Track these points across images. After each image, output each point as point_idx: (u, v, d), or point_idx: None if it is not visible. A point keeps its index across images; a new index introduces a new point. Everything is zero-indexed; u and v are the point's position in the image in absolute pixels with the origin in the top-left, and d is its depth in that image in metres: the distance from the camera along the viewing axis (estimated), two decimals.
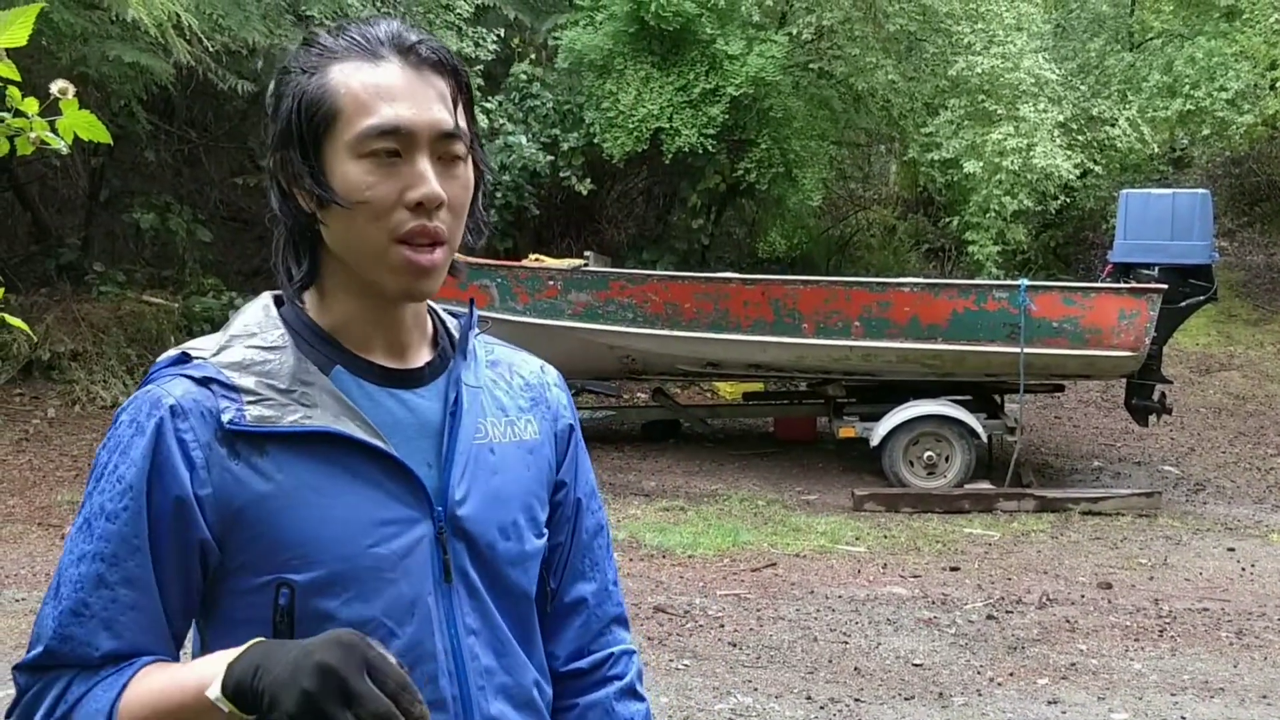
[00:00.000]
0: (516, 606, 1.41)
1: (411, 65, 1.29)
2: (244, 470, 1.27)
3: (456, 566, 1.34)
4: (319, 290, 1.37)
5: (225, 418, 1.27)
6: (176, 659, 1.31)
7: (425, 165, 1.27)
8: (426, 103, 1.28)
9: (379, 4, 12.46)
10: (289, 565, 1.27)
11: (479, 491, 1.37)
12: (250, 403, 1.28)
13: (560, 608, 1.52)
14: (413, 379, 1.37)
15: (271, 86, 1.35)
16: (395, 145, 1.27)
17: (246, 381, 1.30)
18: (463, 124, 1.31)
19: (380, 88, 1.27)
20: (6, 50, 1.92)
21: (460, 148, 1.31)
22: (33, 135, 1.96)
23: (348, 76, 1.28)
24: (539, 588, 1.47)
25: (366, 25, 1.32)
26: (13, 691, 1.30)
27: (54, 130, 1.97)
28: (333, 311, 1.36)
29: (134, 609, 1.25)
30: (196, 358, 1.32)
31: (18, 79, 1.93)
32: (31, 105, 1.96)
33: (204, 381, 1.29)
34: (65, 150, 1.98)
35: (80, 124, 1.96)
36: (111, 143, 1.98)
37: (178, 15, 9.60)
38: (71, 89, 1.93)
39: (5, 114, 1.98)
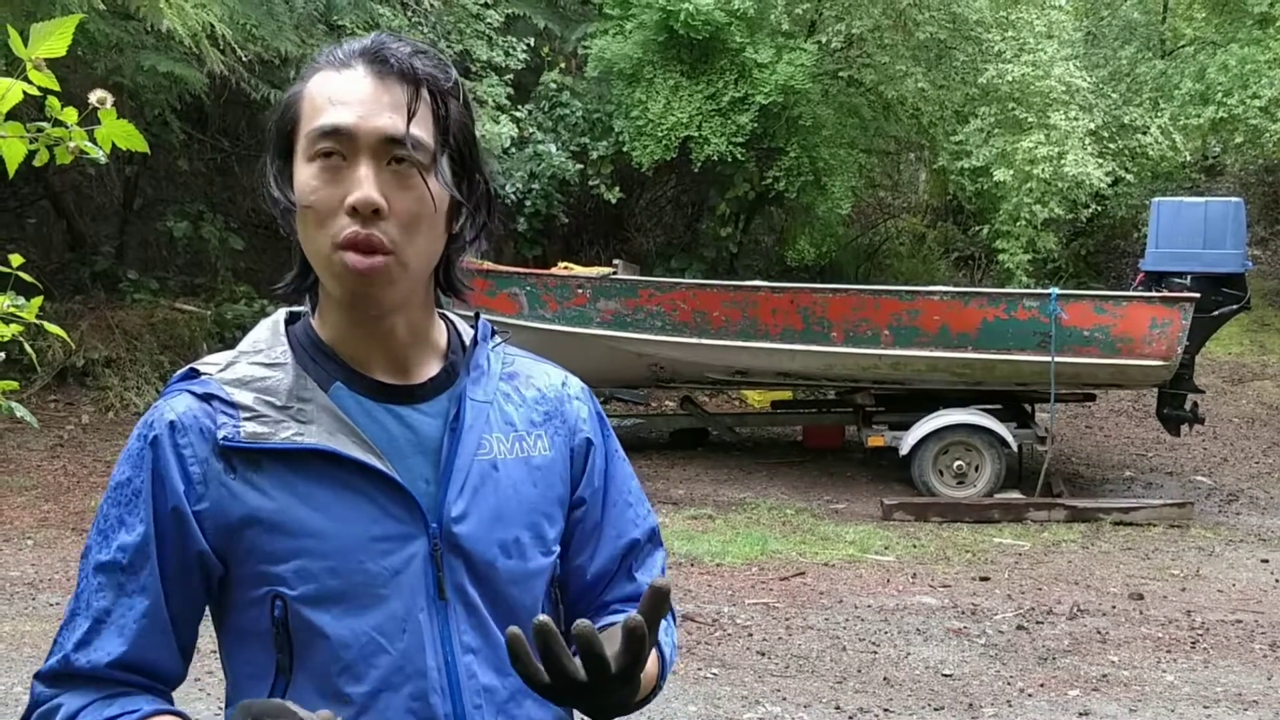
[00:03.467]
0: (520, 625, 1.38)
1: (375, 73, 1.28)
2: (240, 485, 1.29)
3: (452, 583, 1.34)
4: (316, 305, 1.39)
5: (221, 434, 1.30)
6: (184, 670, 1.35)
7: (365, 170, 1.26)
8: (377, 109, 1.27)
9: (410, 13, 12.53)
10: (282, 579, 1.29)
11: (479, 509, 1.36)
12: (246, 419, 1.30)
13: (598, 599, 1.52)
14: (414, 395, 1.37)
15: None
16: (336, 148, 1.27)
17: (245, 398, 1.32)
18: (420, 134, 1.27)
19: (334, 93, 1.28)
20: (46, 60, 1.94)
21: (410, 156, 1.27)
22: (72, 145, 1.99)
23: (314, 85, 1.30)
24: (552, 604, 1.45)
25: (357, 39, 1.33)
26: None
27: (92, 139, 2.00)
28: (329, 325, 1.37)
29: (145, 617, 1.29)
30: (203, 374, 1.35)
31: (57, 89, 1.96)
32: (70, 115, 1.98)
33: (205, 398, 1.32)
34: (104, 160, 2.01)
35: (118, 133, 1.98)
36: (149, 151, 2.00)
37: (212, 25, 9.69)
38: (110, 98, 1.96)
39: (45, 123, 2.01)
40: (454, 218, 1.35)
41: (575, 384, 1.53)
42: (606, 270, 10.90)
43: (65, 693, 1.29)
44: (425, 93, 1.29)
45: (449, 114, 1.32)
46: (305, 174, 1.29)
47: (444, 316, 1.45)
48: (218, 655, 1.39)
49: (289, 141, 1.32)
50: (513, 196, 13.02)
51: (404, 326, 1.36)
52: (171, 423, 1.31)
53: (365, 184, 1.26)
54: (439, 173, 1.30)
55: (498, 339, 1.48)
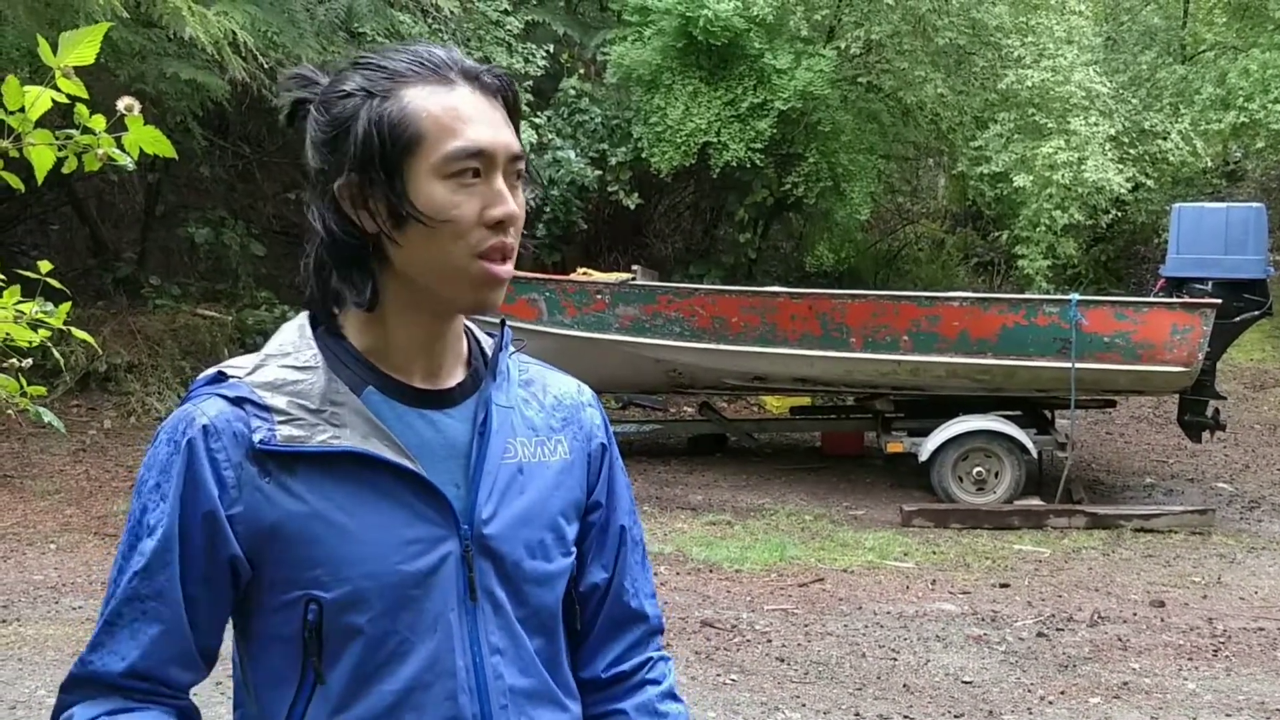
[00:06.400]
0: (542, 625, 1.43)
1: (479, 90, 1.34)
2: (274, 489, 1.30)
3: (482, 585, 1.36)
4: (376, 311, 1.37)
5: (257, 438, 1.30)
6: (203, 674, 1.35)
7: (503, 185, 1.33)
8: (498, 126, 1.33)
9: (430, 21, 12.58)
10: (317, 582, 1.30)
11: (506, 511, 1.38)
12: (281, 422, 1.31)
13: (604, 623, 1.54)
14: (444, 399, 1.39)
15: (320, 109, 1.34)
16: (479, 166, 1.31)
17: (278, 401, 1.32)
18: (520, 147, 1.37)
19: (459, 112, 1.31)
20: (73, 68, 1.96)
21: (529, 170, 1.37)
22: (100, 152, 2.01)
23: (426, 100, 1.31)
24: (567, 607, 1.48)
25: (424, 50, 1.34)
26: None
27: (120, 146, 2.02)
28: (380, 332, 1.37)
29: (160, 622, 1.30)
30: (232, 377, 1.35)
31: (85, 96, 1.98)
32: (99, 122, 2.00)
33: (237, 401, 1.32)
34: (132, 166, 2.03)
35: (145, 139, 2.00)
36: (175, 156, 2.02)
37: (234, 33, 9.74)
38: (137, 106, 1.98)
39: (73, 131, 2.03)
40: None
41: (588, 392, 1.57)
42: (625, 276, 10.90)
43: (79, 702, 1.31)
44: (515, 109, 1.38)
45: (520, 121, 1.41)
46: (442, 190, 1.30)
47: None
48: (234, 664, 1.40)
49: (402, 157, 1.30)
50: (532, 203, 13.01)
51: (452, 332, 1.41)
52: (204, 426, 1.31)
53: (509, 199, 1.34)
54: (529, 181, 1.40)
55: (513, 347, 1.50)
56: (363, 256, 1.35)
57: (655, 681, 1.56)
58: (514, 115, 1.38)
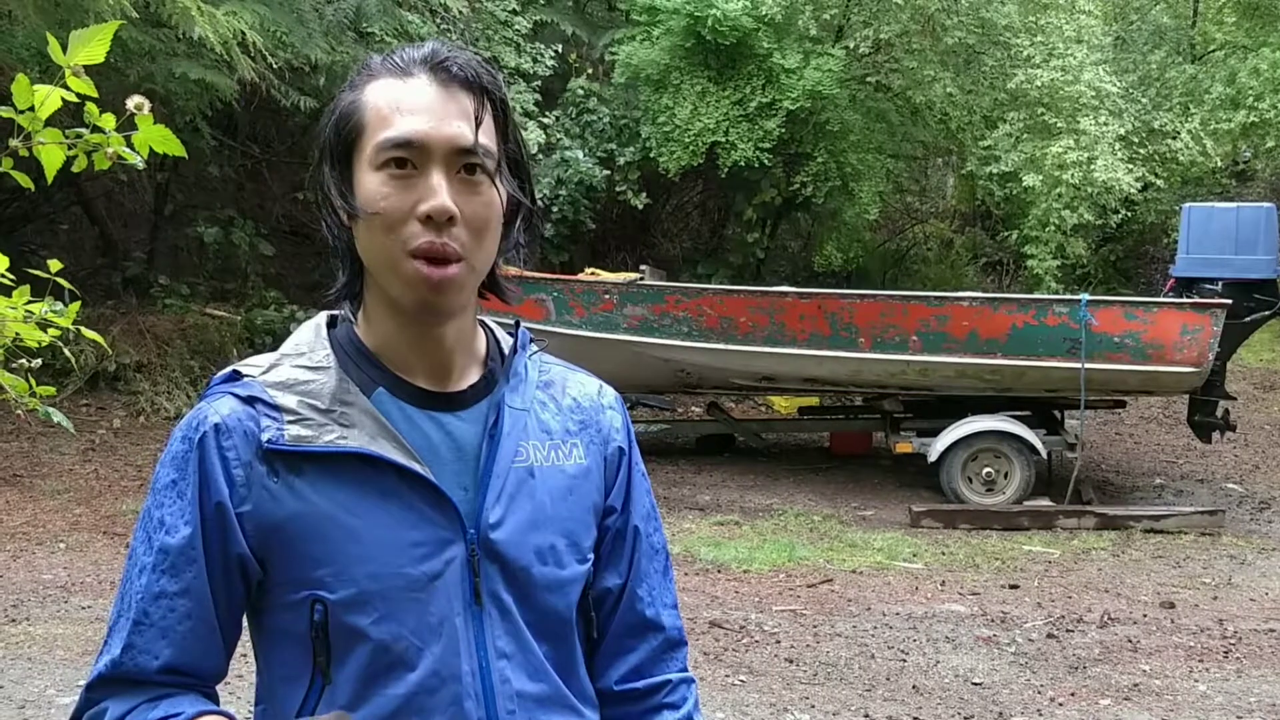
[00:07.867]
0: (553, 632, 1.40)
1: (439, 82, 1.30)
2: (281, 489, 1.30)
3: (488, 589, 1.34)
4: (364, 309, 1.39)
5: (265, 437, 1.30)
6: (227, 667, 1.36)
7: (438, 179, 1.28)
8: (447, 118, 1.29)
9: (438, 20, 12.58)
10: (322, 583, 1.30)
11: (516, 515, 1.37)
12: (290, 422, 1.31)
13: (617, 630, 1.50)
14: (455, 402, 1.38)
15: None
16: (408, 157, 1.28)
17: (288, 401, 1.33)
18: (487, 142, 1.31)
19: (402, 102, 1.29)
20: (83, 67, 1.96)
21: (483, 164, 1.30)
22: (110, 151, 2.00)
23: (376, 93, 1.31)
24: (584, 613, 1.45)
25: (412, 47, 1.34)
26: (76, 698, 1.34)
27: (130, 145, 2.01)
28: (375, 331, 1.38)
29: (190, 618, 1.30)
30: (246, 376, 1.36)
31: (95, 95, 1.97)
32: (109, 121, 1.99)
33: (249, 400, 1.33)
34: (142, 165, 2.02)
35: (155, 138, 1.99)
36: (185, 155, 2.02)
37: (243, 33, 9.75)
38: (147, 104, 1.97)
39: (83, 130, 2.02)
40: (510, 222, 1.39)
41: (610, 394, 1.54)
42: (633, 276, 10.89)
43: (111, 698, 1.31)
44: (488, 101, 1.32)
45: (508, 121, 1.35)
46: (373, 182, 1.29)
47: (483, 324, 1.46)
48: (245, 657, 1.40)
49: (349, 149, 1.32)
50: (540, 203, 13.00)
51: (453, 333, 1.38)
52: (216, 424, 1.31)
53: (440, 193, 1.27)
54: (504, 178, 1.34)
55: (534, 347, 1.49)
56: (344, 248, 1.37)
57: (673, 706, 1.51)
58: (495, 111, 1.32)
